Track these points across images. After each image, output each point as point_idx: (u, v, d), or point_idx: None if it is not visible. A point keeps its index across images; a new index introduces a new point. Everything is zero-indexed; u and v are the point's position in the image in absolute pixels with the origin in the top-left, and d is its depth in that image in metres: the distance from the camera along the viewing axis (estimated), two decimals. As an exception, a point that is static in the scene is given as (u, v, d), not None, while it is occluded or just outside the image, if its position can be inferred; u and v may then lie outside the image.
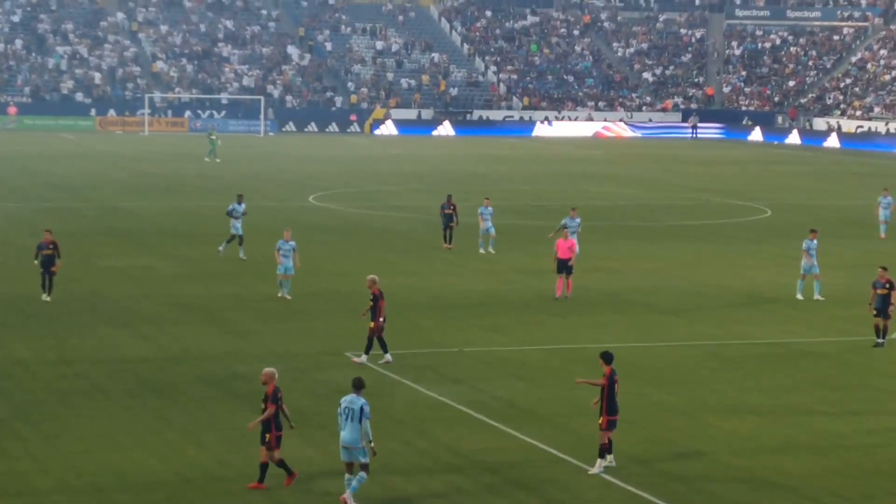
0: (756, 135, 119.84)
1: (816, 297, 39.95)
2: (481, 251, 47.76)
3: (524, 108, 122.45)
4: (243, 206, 45.71)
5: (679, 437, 25.61)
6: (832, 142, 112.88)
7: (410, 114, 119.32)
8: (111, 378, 29.27)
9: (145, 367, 30.31)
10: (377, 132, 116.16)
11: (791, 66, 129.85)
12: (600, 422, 23.18)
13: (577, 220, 44.08)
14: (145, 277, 42.12)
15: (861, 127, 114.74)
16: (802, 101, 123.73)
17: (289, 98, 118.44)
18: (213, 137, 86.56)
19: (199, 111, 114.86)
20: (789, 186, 76.69)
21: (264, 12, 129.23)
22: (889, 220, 55.65)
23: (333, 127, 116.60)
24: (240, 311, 36.95)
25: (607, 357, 23.48)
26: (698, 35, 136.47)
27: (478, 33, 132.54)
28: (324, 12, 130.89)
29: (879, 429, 26.63)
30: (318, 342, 33.27)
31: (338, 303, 38.63)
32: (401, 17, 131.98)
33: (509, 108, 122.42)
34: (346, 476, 21.51)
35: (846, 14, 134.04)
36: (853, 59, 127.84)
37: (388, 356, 30.79)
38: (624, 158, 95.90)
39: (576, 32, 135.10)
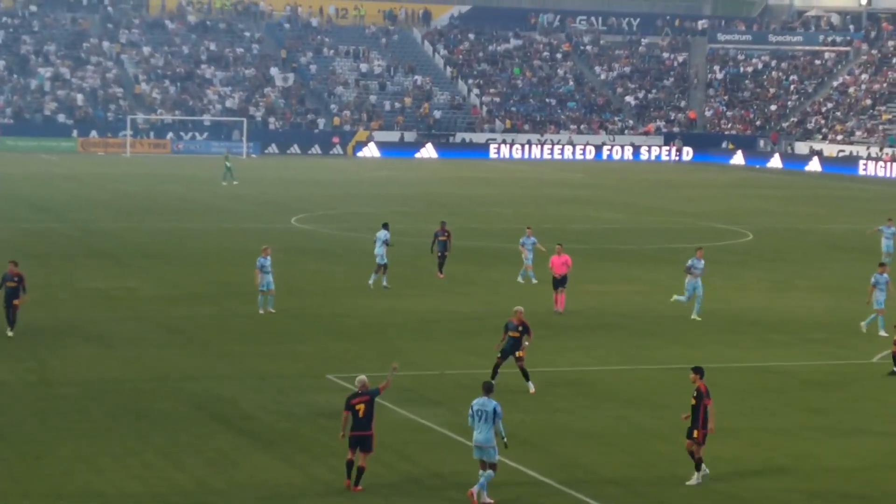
0: (738, 158, 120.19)
1: (881, 333, 38.26)
2: (520, 280, 46.43)
3: (506, 130, 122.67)
4: (388, 233, 45.12)
5: (660, 461, 25.61)
6: (814, 166, 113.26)
7: (393, 136, 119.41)
8: (92, 399, 29.19)
9: (126, 389, 30.23)
10: (360, 154, 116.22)
11: (773, 90, 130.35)
12: (696, 436, 23.80)
13: (702, 262, 40.88)
14: (127, 299, 42.02)
15: (843, 151, 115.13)
16: (784, 125, 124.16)
17: (271, 120, 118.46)
18: (228, 163, 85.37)
19: (182, 133, 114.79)
20: (771, 210, 76.89)
21: (247, 34, 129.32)
22: (892, 251, 52.77)
23: (316, 149, 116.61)
24: (221, 333, 36.90)
25: (701, 371, 24.28)
26: (680, 59, 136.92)
27: (461, 56, 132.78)
28: (307, 35, 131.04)
29: (860, 451, 26.66)
30: (300, 364, 33.23)
31: (320, 325, 38.60)
32: (384, 40, 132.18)
33: (492, 130, 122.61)
34: (481, 472, 22.73)
35: (828, 38, 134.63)
36: (835, 84, 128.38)
37: (531, 385, 30.85)
38: (605, 181, 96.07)
39: (558, 56, 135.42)
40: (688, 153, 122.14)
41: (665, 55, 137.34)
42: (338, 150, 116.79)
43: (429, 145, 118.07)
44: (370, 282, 44.96)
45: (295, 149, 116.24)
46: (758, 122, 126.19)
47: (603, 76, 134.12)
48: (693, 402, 23.97)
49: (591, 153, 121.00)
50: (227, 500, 22.54)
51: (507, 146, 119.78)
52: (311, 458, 25.06)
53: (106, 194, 76.01)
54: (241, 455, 25.20)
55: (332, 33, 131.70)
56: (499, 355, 30.88)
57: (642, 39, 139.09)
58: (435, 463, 24.94)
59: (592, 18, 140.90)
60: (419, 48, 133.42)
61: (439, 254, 47.05)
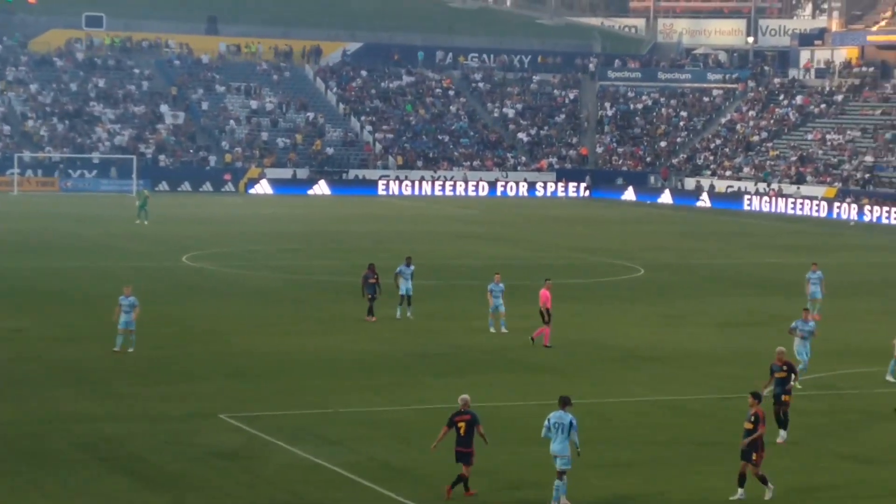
0: (629, 194, 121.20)
1: None
2: (492, 329, 44.69)
3: (399, 167, 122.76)
4: (412, 267, 46.94)
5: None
6: (703, 201, 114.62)
7: (285, 173, 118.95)
8: (-22, 443, 28.57)
9: (14, 432, 29.62)
10: (252, 191, 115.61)
11: (662, 126, 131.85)
12: (754, 459, 25.16)
13: (811, 323, 37.93)
14: (15, 339, 41.26)
15: (731, 187, 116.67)
16: (674, 161, 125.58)
17: (162, 157, 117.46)
18: (143, 202, 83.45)
19: (70, 171, 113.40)
20: (662, 245, 77.57)
21: (137, 71, 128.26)
22: (821, 297, 49.09)
23: (207, 186, 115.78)
24: (113, 373, 36.34)
25: (759, 396, 25.79)
26: (572, 96, 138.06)
27: (353, 93, 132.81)
28: (198, 71, 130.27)
29: (754, 485, 26.83)
30: (193, 404, 32.79)
31: (212, 364, 38.15)
32: (276, 77, 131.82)
33: (385, 167, 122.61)
34: (558, 480, 24.48)
35: (716, 76, 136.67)
36: (723, 120, 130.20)
37: (784, 434, 30.54)
38: (499, 217, 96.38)
39: (451, 93, 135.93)
40: (585, 189, 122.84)
41: (556, 92, 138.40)
42: (230, 187, 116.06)
43: (322, 182, 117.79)
44: (398, 315, 46.64)
45: (186, 186, 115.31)
46: (648, 159, 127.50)
47: (496, 113, 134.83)
48: (749, 426, 25.22)
49: (484, 189, 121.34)
50: (118, 543, 22.14)
51: (399, 183, 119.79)
52: (204, 499, 24.72)
53: (-7, 233, 74.75)
54: (132, 498, 24.78)
55: (223, 70, 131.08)
56: (772, 399, 30.59)
57: (534, 77, 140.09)
58: (329, 502, 24.69)
59: (485, 55, 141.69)
60: (311, 85, 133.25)
61: (369, 297, 46.42)
